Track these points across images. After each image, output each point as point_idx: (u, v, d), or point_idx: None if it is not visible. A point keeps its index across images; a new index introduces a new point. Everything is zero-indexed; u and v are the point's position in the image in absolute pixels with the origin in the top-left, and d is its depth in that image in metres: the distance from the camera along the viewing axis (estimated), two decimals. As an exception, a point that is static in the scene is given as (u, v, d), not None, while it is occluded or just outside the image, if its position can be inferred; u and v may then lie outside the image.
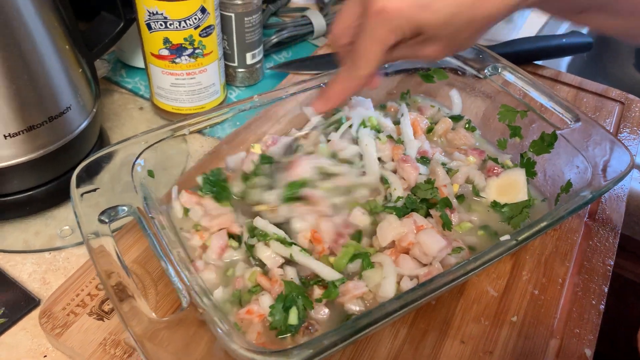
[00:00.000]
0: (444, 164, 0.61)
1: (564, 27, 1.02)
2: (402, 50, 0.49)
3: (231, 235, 0.55)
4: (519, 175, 0.60)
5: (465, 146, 0.66)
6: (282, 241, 0.52)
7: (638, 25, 0.52)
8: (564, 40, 0.85)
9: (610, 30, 0.54)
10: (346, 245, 0.52)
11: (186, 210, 0.56)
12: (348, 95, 0.54)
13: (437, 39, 0.47)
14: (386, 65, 0.69)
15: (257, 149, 0.62)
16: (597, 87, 0.82)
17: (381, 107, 0.71)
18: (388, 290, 0.49)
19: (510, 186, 0.59)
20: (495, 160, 0.63)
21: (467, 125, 0.68)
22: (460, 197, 0.59)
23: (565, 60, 0.98)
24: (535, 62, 0.86)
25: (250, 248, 0.53)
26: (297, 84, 0.64)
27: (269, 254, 0.52)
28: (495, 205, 0.59)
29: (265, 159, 0.60)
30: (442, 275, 0.45)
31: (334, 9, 0.97)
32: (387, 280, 0.50)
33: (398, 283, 0.51)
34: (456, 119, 0.69)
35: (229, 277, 0.52)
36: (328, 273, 0.50)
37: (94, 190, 0.50)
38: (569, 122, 0.61)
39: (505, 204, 0.58)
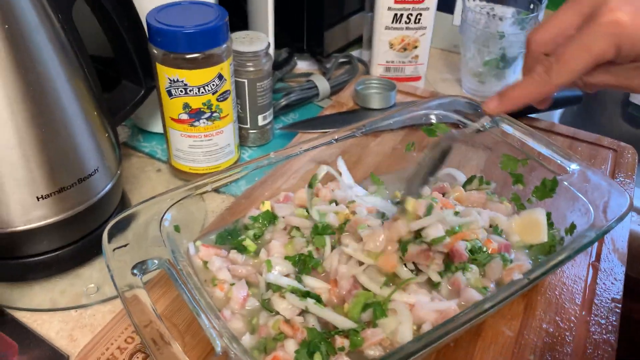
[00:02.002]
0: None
1: (553, 83, 1.08)
2: (608, 75, 0.46)
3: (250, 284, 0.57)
4: (540, 214, 0.62)
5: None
6: (296, 291, 0.54)
7: None
8: (555, 94, 0.90)
9: None
10: (357, 295, 0.54)
11: (205, 263, 0.59)
12: (529, 100, 0.49)
13: None
14: (390, 122, 0.73)
15: (266, 206, 0.66)
16: (590, 136, 0.86)
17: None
18: (405, 335, 0.50)
19: (530, 226, 0.62)
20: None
21: (481, 182, 0.71)
22: None
23: (557, 114, 1.03)
24: (529, 116, 0.91)
25: (265, 302, 0.55)
26: (309, 141, 0.68)
27: (285, 305, 0.53)
28: (524, 246, 0.61)
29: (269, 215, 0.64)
30: (460, 315, 0.48)
31: (336, 73, 1.03)
32: (403, 326, 0.51)
33: (417, 329, 0.52)
34: (470, 180, 0.72)
35: (254, 325, 0.53)
36: (342, 322, 0.51)
37: (124, 245, 0.53)
38: (568, 169, 0.65)
39: (532, 245, 0.61)
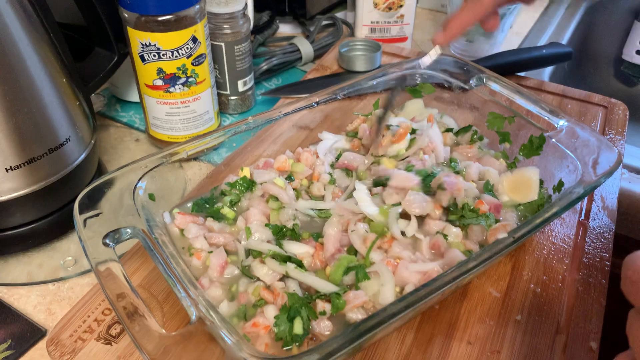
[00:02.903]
0: (453, 162, 0.63)
1: (543, 40, 1.05)
2: None
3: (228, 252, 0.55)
4: (533, 174, 0.61)
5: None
6: (277, 257, 0.53)
7: None
8: (544, 51, 0.88)
9: None
10: (339, 259, 0.53)
11: (181, 231, 0.57)
12: (470, 24, 0.58)
13: None
14: (374, 82, 0.71)
15: (245, 172, 0.64)
16: (580, 93, 0.84)
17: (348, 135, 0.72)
18: (387, 296, 0.50)
19: (522, 184, 0.60)
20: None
21: (473, 136, 0.69)
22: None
23: (547, 71, 1.01)
24: (518, 74, 0.89)
25: (245, 269, 0.53)
26: (290, 104, 0.65)
27: (265, 271, 0.52)
28: (513, 204, 0.60)
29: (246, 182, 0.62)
30: (443, 275, 0.46)
31: (320, 35, 1.00)
32: (385, 287, 0.50)
33: (400, 291, 0.51)
34: (465, 129, 0.70)
35: (233, 293, 0.52)
36: (325, 286, 0.50)
37: (97, 215, 0.51)
38: (556, 125, 0.63)
39: (520, 204, 0.60)
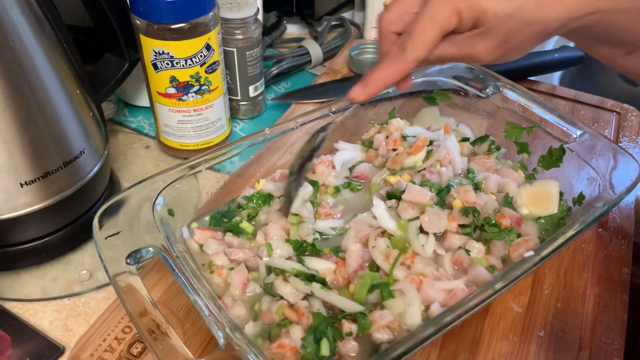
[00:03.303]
0: (471, 173, 0.63)
1: (551, 44, 1.04)
2: (452, 46, 0.49)
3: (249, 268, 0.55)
4: (553, 186, 0.60)
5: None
6: (300, 274, 0.52)
7: None
8: (556, 55, 0.87)
9: None
10: (362, 276, 0.52)
11: (201, 246, 0.56)
12: (390, 82, 0.51)
13: (492, 34, 0.47)
14: (389, 91, 0.70)
15: (261, 185, 0.63)
16: (592, 98, 0.84)
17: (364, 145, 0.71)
18: (414, 317, 0.49)
19: (542, 197, 0.60)
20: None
21: (491, 146, 0.68)
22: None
23: (556, 75, 1.00)
24: (530, 78, 0.88)
25: (267, 287, 0.52)
26: (305, 114, 0.65)
27: (289, 290, 0.51)
28: (533, 217, 0.59)
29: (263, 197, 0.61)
30: (471, 298, 0.46)
31: (329, 37, 0.99)
32: (411, 307, 0.49)
33: (425, 310, 0.51)
34: (482, 139, 0.69)
35: (256, 311, 0.51)
36: (350, 306, 0.49)
37: (116, 233, 0.50)
38: (574, 135, 0.63)
39: (540, 217, 0.59)
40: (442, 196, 0.59)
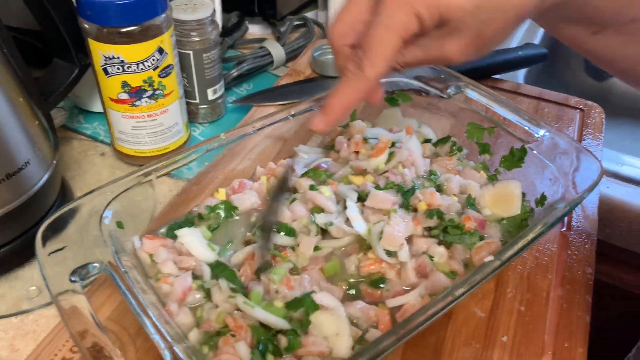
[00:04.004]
0: (433, 174, 0.62)
1: (516, 41, 1.04)
2: (419, 51, 0.44)
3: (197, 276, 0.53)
4: (515, 187, 0.60)
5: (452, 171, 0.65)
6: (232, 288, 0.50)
7: None
8: (520, 52, 0.86)
9: (625, 62, 0.50)
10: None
11: (151, 256, 0.54)
12: (351, 105, 0.45)
13: (462, 31, 0.41)
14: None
15: (221, 194, 0.61)
16: (557, 96, 0.83)
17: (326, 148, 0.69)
18: (342, 350, 0.46)
19: (504, 198, 0.59)
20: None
21: (453, 147, 0.67)
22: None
23: (522, 73, 1.00)
24: (494, 77, 0.88)
25: (207, 292, 0.51)
26: (263, 118, 0.63)
27: (223, 297, 0.49)
28: (495, 219, 0.59)
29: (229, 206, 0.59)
30: (425, 309, 0.44)
31: (291, 37, 0.97)
32: (341, 339, 0.46)
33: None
34: (444, 140, 0.68)
35: (199, 318, 0.50)
36: (275, 322, 0.47)
37: (61, 249, 0.48)
38: (536, 135, 0.62)
39: (503, 219, 0.58)
40: (407, 198, 0.58)
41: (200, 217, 0.59)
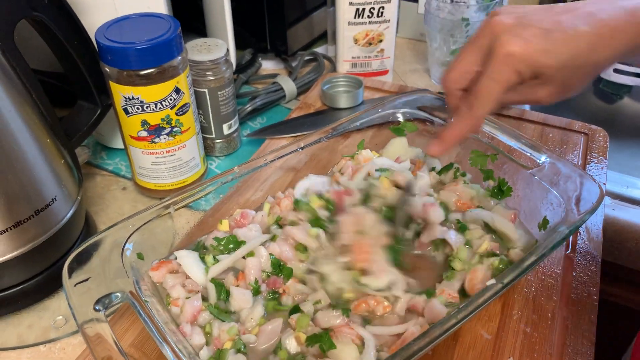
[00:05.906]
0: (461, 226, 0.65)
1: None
2: (515, 95, 0.54)
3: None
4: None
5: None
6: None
7: None
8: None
9: None
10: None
11: (161, 283, 0.57)
12: (464, 135, 0.56)
13: (551, 82, 0.51)
14: (357, 124, 0.72)
15: (224, 226, 0.64)
16: (561, 121, 0.85)
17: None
18: None
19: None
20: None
21: (456, 173, 0.70)
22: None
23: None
24: (500, 103, 0.90)
25: (215, 310, 0.55)
26: (275, 151, 0.66)
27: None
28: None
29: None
30: (425, 335, 0.46)
31: (302, 71, 1.01)
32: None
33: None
34: (447, 168, 0.71)
35: (207, 335, 0.53)
36: None
37: (86, 280, 0.51)
38: (538, 161, 0.64)
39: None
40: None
41: (204, 247, 0.62)
